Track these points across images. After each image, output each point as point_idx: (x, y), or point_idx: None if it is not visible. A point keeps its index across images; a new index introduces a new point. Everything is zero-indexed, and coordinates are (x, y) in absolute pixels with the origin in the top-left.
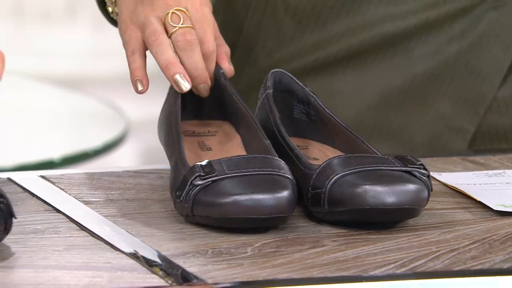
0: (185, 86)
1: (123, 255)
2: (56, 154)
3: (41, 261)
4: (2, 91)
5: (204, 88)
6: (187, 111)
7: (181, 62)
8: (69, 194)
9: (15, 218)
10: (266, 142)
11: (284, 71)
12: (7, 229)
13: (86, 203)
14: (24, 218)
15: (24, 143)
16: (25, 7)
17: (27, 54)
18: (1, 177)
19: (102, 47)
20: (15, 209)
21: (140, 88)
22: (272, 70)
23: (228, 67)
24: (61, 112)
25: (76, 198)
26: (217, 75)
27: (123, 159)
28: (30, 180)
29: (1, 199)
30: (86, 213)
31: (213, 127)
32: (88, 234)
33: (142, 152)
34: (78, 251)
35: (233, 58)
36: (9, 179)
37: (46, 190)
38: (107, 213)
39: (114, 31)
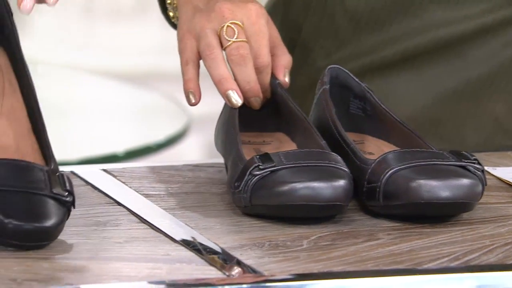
0: (237, 101)
1: (182, 247)
2: (120, 148)
3: (103, 253)
4: (69, 86)
5: (256, 100)
6: (242, 122)
7: (234, 76)
8: (130, 187)
9: (74, 208)
10: (322, 143)
11: (341, 67)
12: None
13: (147, 196)
14: (87, 210)
15: (90, 138)
16: (95, 5)
17: (96, 50)
18: (65, 170)
19: (168, 44)
20: (79, 202)
21: (192, 100)
22: (329, 66)
23: (283, 80)
24: (126, 107)
25: (137, 191)
26: (273, 86)
27: (184, 153)
28: (92, 173)
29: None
30: (146, 206)
31: (268, 138)
32: (148, 227)
33: (202, 146)
34: (139, 243)
35: (293, 57)
36: (72, 173)
37: (108, 183)
38: (166, 206)
39: None
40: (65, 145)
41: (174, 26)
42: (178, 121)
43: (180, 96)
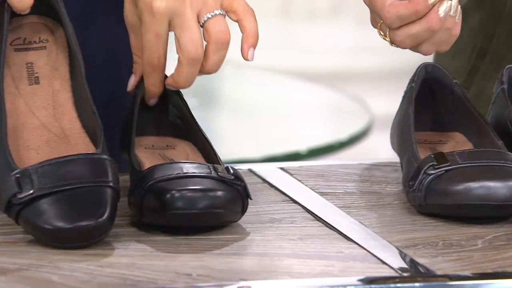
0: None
1: (355, 245)
2: (303, 146)
3: (276, 250)
4: (257, 86)
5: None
6: (417, 121)
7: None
8: (306, 185)
9: (251, 199)
10: (499, 142)
11: None
12: (243, 210)
13: (322, 194)
14: (262, 207)
15: (274, 136)
16: (292, 6)
17: (293, 50)
18: (242, 168)
19: (362, 45)
20: (254, 198)
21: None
22: (507, 66)
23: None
24: (311, 106)
25: (313, 189)
26: (450, 85)
27: (366, 152)
28: (269, 171)
29: (239, 182)
30: (321, 204)
31: (445, 137)
32: (323, 225)
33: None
34: (312, 241)
35: (483, 65)
36: (250, 170)
37: (284, 181)
38: (341, 204)
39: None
40: (249, 143)
41: None
42: (361, 120)
43: (363, 95)
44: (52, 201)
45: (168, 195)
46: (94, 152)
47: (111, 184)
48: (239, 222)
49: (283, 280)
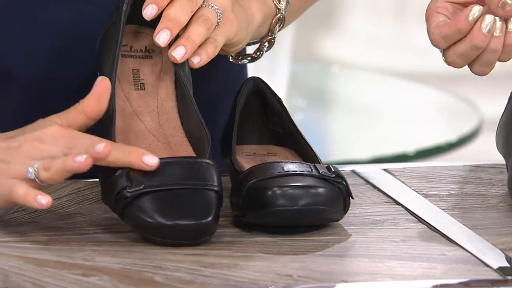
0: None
1: (458, 248)
2: (411, 147)
3: (378, 251)
4: (367, 87)
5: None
6: None
7: None
8: (409, 187)
9: (352, 198)
10: None
11: None
12: (345, 209)
13: (426, 196)
14: (365, 209)
15: (381, 137)
16: (407, 7)
17: (404, 52)
18: (346, 169)
19: None
20: (357, 200)
21: None
22: None
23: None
24: (419, 107)
25: (416, 191)
26: None
27: (474, 154)
28: (372, 172)
29: (340, 180)
30: (424, 205)
31: None
32: (425, 226)
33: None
34: (414, 243)
35: None
36: (353, 171)
37: (387, 183)
38: (445, 206)
39: None
40: (357, 144)
41: None
42: (470, 121)
43: (473, 96)
44: (158, 199)
45: (269, 192)
46: (201, 157)
47: (216, 188)
48: (341, 223)
49: (384, 282)
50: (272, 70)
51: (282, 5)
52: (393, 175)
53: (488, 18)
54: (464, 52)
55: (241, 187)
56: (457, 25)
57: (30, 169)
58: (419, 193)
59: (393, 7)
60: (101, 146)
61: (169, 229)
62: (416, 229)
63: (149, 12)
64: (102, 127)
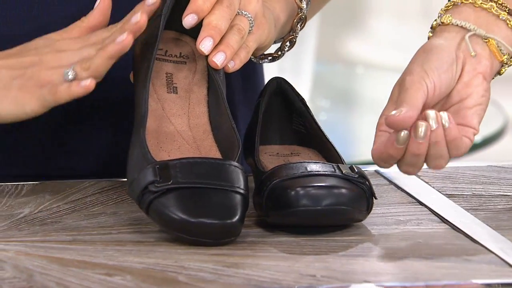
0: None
1: (482, 248)
2: None
3: (401, 252)
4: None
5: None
6: None
7: None
8: (433, 187)
9: (376, 198)
10: None
11: None
12: (369, 209)
13: (449, 196)
14: (388, 209)
15: None
16: (432, 8)
17: None
18: (369, 169)
19: None
20: (380, 200)
21: None
22: None
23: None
24: None
25: (439, 191)
26: None
27: (499, 154)
28: (396, 173)
29: (363, 180)
30: (448, 206)
31: None
32: (449, 227)
33: None
34: (437, 243)
35: None
36: (376, 172)
37: (411, 183)
38: (468, 206)
39: None
40: None
41: None
42: (494, 122)
43: (497, 97)
44: (185, 196)
45: (292, 192)
46: (231, 161)
47: (242, 191)
48: (364, 223)
49: (406, 282)
50: (296, 70)
51: (304, 4)
52: (417, 175)
53: (420, 127)
54: (410, 162)
55: (264, 187)
56: (388, 151)
57: (69, 72)
58: (442, 194)
59: (419, 9)
60: (137, 16)
61: (193, 227)
62: (439, 230)
63: (189, 21)
64: (134, 126)
